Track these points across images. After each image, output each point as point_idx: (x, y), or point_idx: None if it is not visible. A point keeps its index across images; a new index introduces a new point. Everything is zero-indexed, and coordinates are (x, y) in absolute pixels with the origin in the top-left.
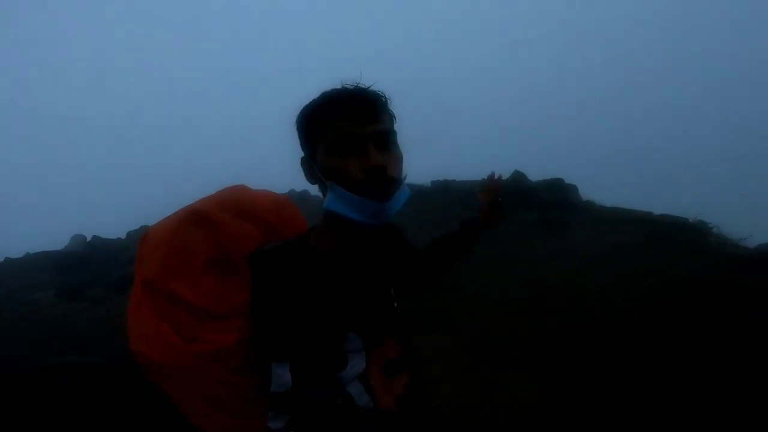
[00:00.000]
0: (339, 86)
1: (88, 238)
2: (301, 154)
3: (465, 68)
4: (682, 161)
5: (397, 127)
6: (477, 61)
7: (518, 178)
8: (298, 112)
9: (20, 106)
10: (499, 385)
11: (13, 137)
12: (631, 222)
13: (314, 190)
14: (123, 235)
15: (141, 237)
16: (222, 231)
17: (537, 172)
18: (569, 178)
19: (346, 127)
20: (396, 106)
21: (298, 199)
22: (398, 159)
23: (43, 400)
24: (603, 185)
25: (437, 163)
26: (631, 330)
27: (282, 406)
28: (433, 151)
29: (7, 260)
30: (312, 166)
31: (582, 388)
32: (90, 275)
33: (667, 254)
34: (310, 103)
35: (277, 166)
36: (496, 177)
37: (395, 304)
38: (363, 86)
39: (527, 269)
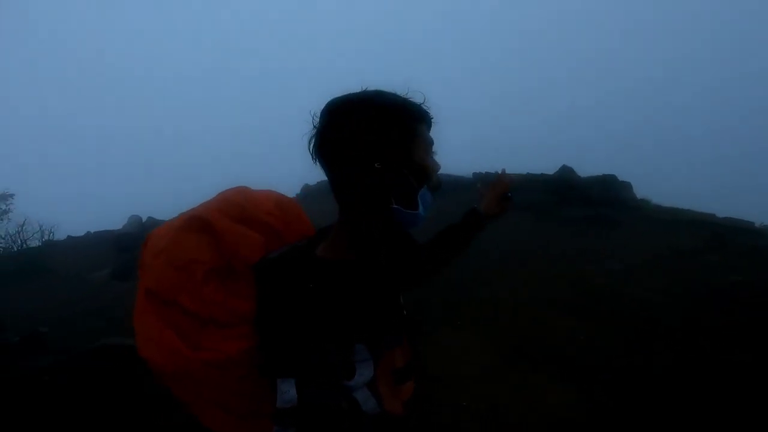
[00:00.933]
0: (397, 93)
1: (144, 219)
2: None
3: (511, 57)
4: (760, 162)
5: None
6: (524, 48)
7: (566, 173)
8: (368, 116)
9: (84, 97)
10: (527, 385)
11: (77, 125)
12: (689, 224)
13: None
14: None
15: (144, 241)
16: (223, 239)
17: (591, 168)
18: (627, 176)
19: (427, 133)
20: (440, 96)
21: (308, 193)
22: None
23: (86, 381)
24: (668, 185)
25: (478, 155)
26: (674, 336)
27: (287, 420)
28: (475, 142)
29: (69, 239)
30: (393, 171)
31: (619, 393)
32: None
33: (724, 259)
34: (389, 108)
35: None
36: (504, 174)
37: (404, 312)
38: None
39: (569, 268)
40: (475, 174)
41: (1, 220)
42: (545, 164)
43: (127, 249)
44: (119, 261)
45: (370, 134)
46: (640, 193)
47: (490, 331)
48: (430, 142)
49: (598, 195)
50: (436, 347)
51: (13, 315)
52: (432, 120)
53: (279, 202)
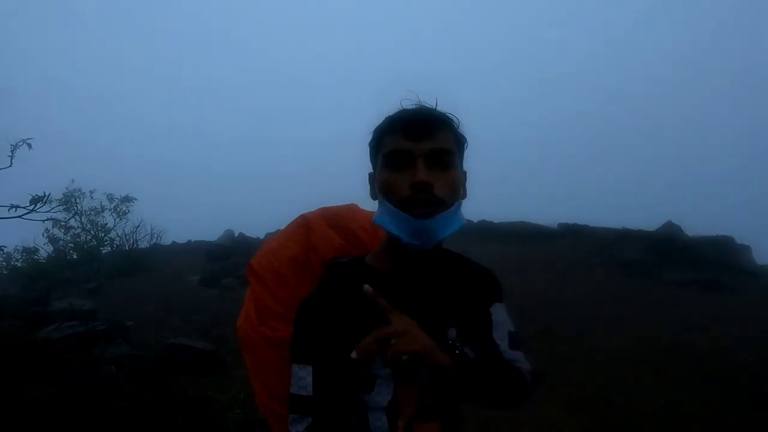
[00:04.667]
0: (411, 106)
1: (236, 234)
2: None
3: (619, 101)
4: None
5: (466, 152)
6: (632, 91)
7: (671, 231)
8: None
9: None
10: None
11: (194, 148)
12: None
13: None
14: (262, 235)
15: None
16: (311, 235)
17: (701, 227)
18: (745, 239)
19: (399, 142)
20: (527, 141)
21: None
22: (451, 180)
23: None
24: None
25: (566, 204)
26: None
27: (303, 409)
28: (561, 190)
29: (174, 244)
30: (374, 183)
31: None
32: (229, 266)
33: None
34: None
35: None
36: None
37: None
38: (427, 106)
39: (666, 332)
40: (560, 224)
41: (120, 220)
42: (645, 219)
43: (216, 259)
44: (208, 269)
45: None
46: (762, 259)
47: (555, 382)
48: (394, 150)
49: (710, 257)
50: None
51: (109, 306)
52: (407, 123)
53: None
